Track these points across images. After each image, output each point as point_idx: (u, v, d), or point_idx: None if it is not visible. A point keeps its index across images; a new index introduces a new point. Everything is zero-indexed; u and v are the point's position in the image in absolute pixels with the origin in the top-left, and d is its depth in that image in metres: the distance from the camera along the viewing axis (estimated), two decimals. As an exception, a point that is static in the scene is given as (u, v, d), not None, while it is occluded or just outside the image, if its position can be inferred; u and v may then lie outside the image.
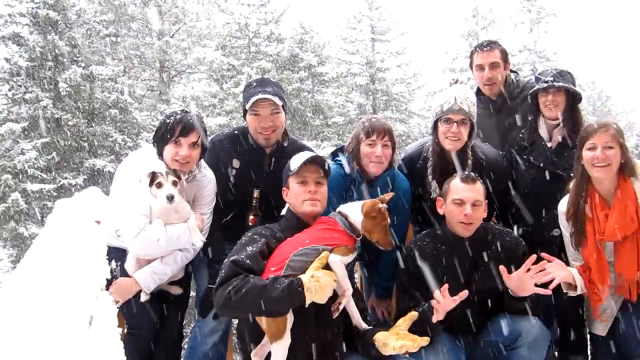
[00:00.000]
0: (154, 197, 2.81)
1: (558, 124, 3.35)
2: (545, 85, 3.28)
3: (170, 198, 2.78)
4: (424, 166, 3.33)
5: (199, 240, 2.89)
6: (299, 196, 2.66)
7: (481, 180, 2.94)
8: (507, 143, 3.59)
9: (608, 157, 2.81)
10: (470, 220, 2.85)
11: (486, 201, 2.94)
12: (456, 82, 3.30)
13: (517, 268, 2.89)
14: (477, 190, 2.88)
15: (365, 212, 2.56)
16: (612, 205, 2.85)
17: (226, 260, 2.46)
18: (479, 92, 3.94)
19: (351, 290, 2.53)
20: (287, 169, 2.74)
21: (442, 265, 2.90)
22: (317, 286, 2.33)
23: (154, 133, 2.99)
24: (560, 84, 3.26)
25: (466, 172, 2.98)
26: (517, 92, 3.87)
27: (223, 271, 2.40)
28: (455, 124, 3.15)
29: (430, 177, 3.27)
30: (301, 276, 2.36)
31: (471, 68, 3.96)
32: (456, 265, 2.90)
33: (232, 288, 2.31)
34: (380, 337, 2.49)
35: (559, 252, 3.28)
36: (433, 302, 2.65)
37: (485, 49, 3.82)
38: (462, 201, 2.85)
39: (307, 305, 2.34)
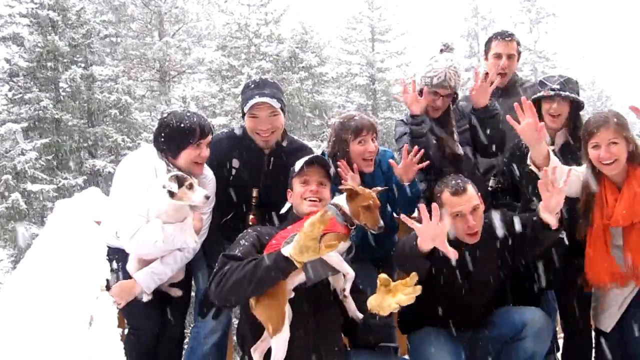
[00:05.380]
0: (185, 199, 2.78)
1: (559, 129, 3.34)
2: (551, 93, 3.25)
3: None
4: None
5: (193, 240, 2.86)
6: (300, 195, 2.67)
7: (469, 183, 2.85)
8: (508, 150, 3.56)
9: (613, 154, 2.82)
10: (476, 228, 2.81)
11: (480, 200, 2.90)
12: (447, 47, 3.44)
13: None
14: (470, 197, 2.81)
15: (347, 197, 2.56)
16: (622, 191, 2.86)
17: (220, 256, 2.49)
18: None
19: (352, 274, 2.52)
20: (292, 170, 2.77)
21: (439, 260, 2.85)
22: (295, 243, 2.26)
23: (161, 136, 2.92)
24: (567, 93, 3.24)
25: (453, 182, 2.85)
26: (520, 83, 4.03)
27: (216, 266, 2.44)
28: (441, 97, 3.34)
29: None
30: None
31: (486, 55, 4.01)
32: (453, 261, 2.85)
33: (220, 274, 2.36)
34: (373, 302, 2.47)
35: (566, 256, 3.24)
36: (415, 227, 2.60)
37: (506, 38, 3.92)
38: (462, 213, 2.80)
39: (300, 266, 2.30)
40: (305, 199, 2.66)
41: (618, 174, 2.89)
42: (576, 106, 3.30)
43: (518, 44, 3.96)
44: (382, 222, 2.53)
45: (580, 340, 3.28)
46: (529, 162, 2.95)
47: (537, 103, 3.31)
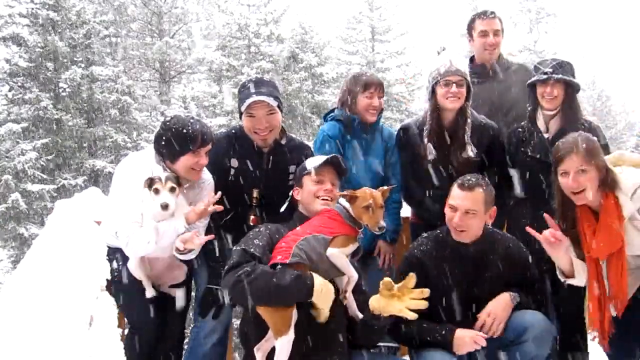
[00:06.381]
0: (151, 201, 2.77)
1: (554, 114, 3.33)
2: (544, 77, 3.25)
3: (165, 207, 2.74)
4: (420, 133, 3.43)
5: (182, 225, 2.83)
6: (313, 192, 2.69)
7: (483, 188, 2.83)
8: (506, 136, 3.57)
9: (581, 184, 2.68)
10: (461, 228, 2.81)
11: (494, 207, 2.87)
12: (444, 49, 3.46)
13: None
14: (473, 199, 2.78)
15: (348, 201, 2.59)
16: (599, 223, 2.75)
17: (235, 247, 2.52)
18: (472, 60, 4.09)
19: (356, 277, 2.54)
20: (302, 168, 2.79)
21: (446, 271, 2.86)
22: (325, 289, 2.39)
23: (162, 139, 2.90)
24: (559, 76, 3.23)
25: (467, 178, 2.87)
26: (507, 65, 4.05)
27: (233, 257, 2.46)
28: (454, 84, 3.27)
29: (425, 140, 3.36)
30: (314, 275, 2.41)
31: (470, 35, 4.07)
32: (459, 271, 2.86)
33: (243, 272, 2.36)
34: (375, 304, 2.50)
35: None
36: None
37: (490, 15, 4.03)
38: (455, 208, 2.80)
39: (309, 300, 2.38)
40: (318, 197, 2.68)
41: (592, 202, 2.76)
42: (571, 89, 3.29)
43: (501, 21, 4.04)
44: (382, 222, 2.54)
45: (574, 328, 3.28)
46: (558, 274, 2.91)
47: (533, 87, 3.33)
